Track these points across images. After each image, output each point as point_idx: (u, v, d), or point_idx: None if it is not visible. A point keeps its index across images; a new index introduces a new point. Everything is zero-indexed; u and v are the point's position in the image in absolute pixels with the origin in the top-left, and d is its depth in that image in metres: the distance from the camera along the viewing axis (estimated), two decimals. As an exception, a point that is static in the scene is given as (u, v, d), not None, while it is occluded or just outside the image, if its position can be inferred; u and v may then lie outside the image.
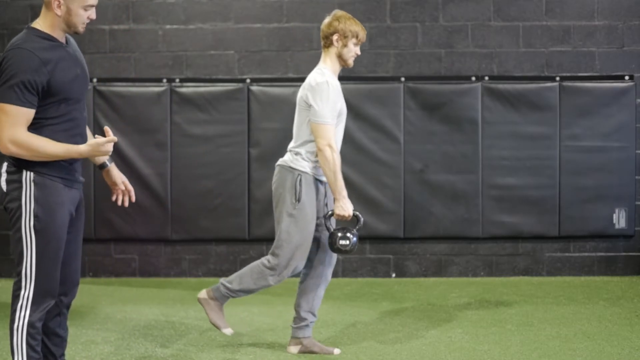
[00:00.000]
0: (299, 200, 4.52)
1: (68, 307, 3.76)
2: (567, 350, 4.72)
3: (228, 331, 4.71)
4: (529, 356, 4.61)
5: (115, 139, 3.51)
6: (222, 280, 4.70)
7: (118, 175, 3.86)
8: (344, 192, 4.52)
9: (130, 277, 7.40)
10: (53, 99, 3.48)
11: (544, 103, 7.29)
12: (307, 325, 4.71)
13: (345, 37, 4.57)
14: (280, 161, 4.69)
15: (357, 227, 4.62)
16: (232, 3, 7.43)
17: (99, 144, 3.46)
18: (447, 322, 5.50)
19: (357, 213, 4.62)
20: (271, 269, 4.57)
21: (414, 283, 7.16)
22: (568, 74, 7.34)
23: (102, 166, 3.83)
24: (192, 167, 7.31)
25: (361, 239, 6.95)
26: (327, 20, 4.64)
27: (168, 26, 7.42)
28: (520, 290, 6.70)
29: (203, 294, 4.71)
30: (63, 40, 3.58)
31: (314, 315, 4.73)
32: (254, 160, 7.31)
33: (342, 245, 4.52)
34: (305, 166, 4.57)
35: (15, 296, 3.51)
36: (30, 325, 3.50)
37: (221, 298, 4.68)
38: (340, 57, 4.61)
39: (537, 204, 7.31)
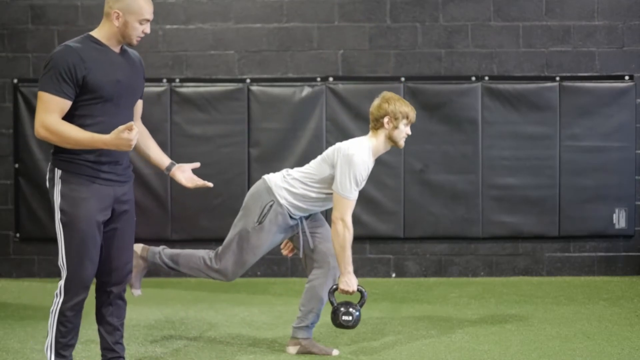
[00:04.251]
0: (260, 222, 4.49)
1: (119, 297, 3.96)
2: (567, 350, 4.72)
3: (137, 292, 4.65)
4: (529, 356, 4.61)
5: (134, 126, 3.60)
6: (163, 249, 4.65)
7: (183, 178, 4.25)
8: (350, 268, 4.45)
9: (130, 277, 7.38)
10: (88, 96, 3.70)
11: (544, 103, 7.29)
12: (307, 327, 4.68)
13: (396, 119, 4.54)
14: (267, 176, 4.62)
15: (361, 302, 4.57)
16: (232, 3, 7.44)
17: (119, 132, 3.58)
18: (447, 322, 5.50)
19: (362, 288, 4.56)
20: (211, 269, 4.58)
21: (414, 283, 7.16)
22: (568, 74, 7.34)
23: (168, 169, 4.20)
24: (192, 167, 7.30)
25: (361, 238, 6.99)
26: (376, 102, 4.60)
27: (168, 26, 7.43)
28: (520, 290, 6.70)
29: (138, 248, 4.62)
30: (116, 49, 3.81)
31: (317, 316, 4.69)
32: (254, 160, 7.31)
33: (344, 321, 4.48)
34: (285, 197, 4.50)
35: (59, 284, 3.80)
36: (61, 313, 3.77)
37: (151, 264, 4.66)
38: (390, 139, 4.59)
39: (537, 204, 7.31)
